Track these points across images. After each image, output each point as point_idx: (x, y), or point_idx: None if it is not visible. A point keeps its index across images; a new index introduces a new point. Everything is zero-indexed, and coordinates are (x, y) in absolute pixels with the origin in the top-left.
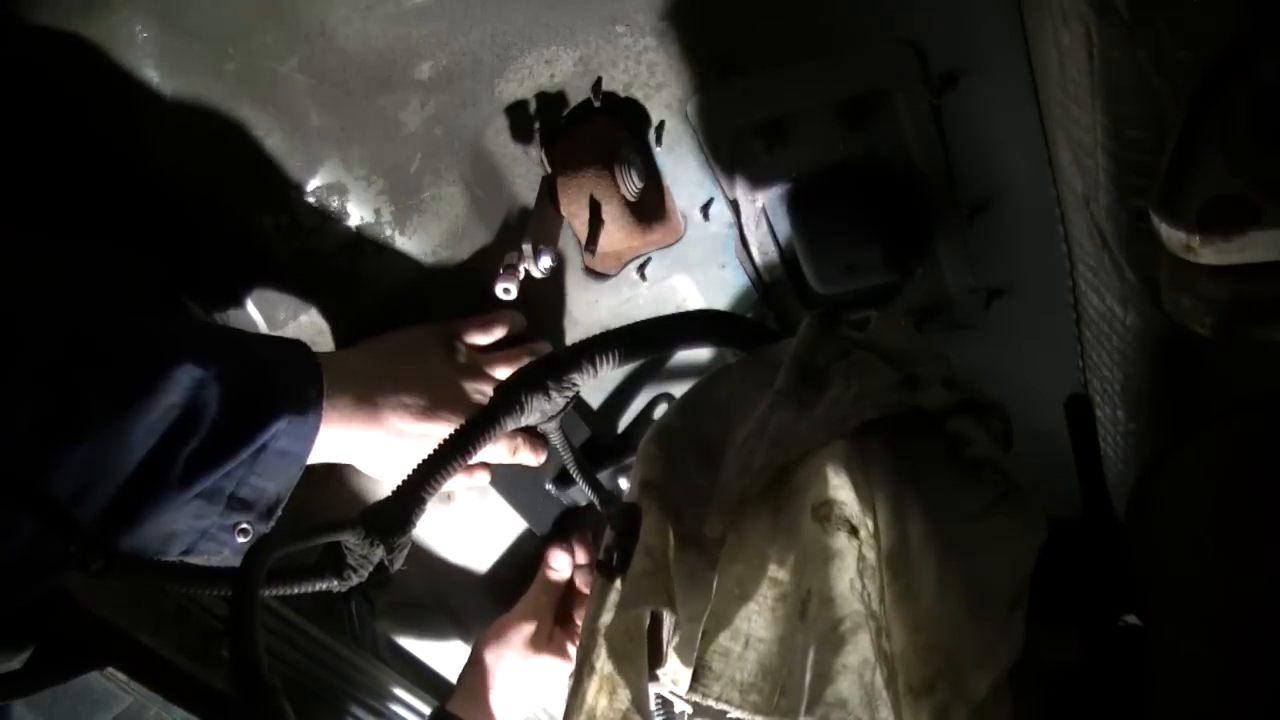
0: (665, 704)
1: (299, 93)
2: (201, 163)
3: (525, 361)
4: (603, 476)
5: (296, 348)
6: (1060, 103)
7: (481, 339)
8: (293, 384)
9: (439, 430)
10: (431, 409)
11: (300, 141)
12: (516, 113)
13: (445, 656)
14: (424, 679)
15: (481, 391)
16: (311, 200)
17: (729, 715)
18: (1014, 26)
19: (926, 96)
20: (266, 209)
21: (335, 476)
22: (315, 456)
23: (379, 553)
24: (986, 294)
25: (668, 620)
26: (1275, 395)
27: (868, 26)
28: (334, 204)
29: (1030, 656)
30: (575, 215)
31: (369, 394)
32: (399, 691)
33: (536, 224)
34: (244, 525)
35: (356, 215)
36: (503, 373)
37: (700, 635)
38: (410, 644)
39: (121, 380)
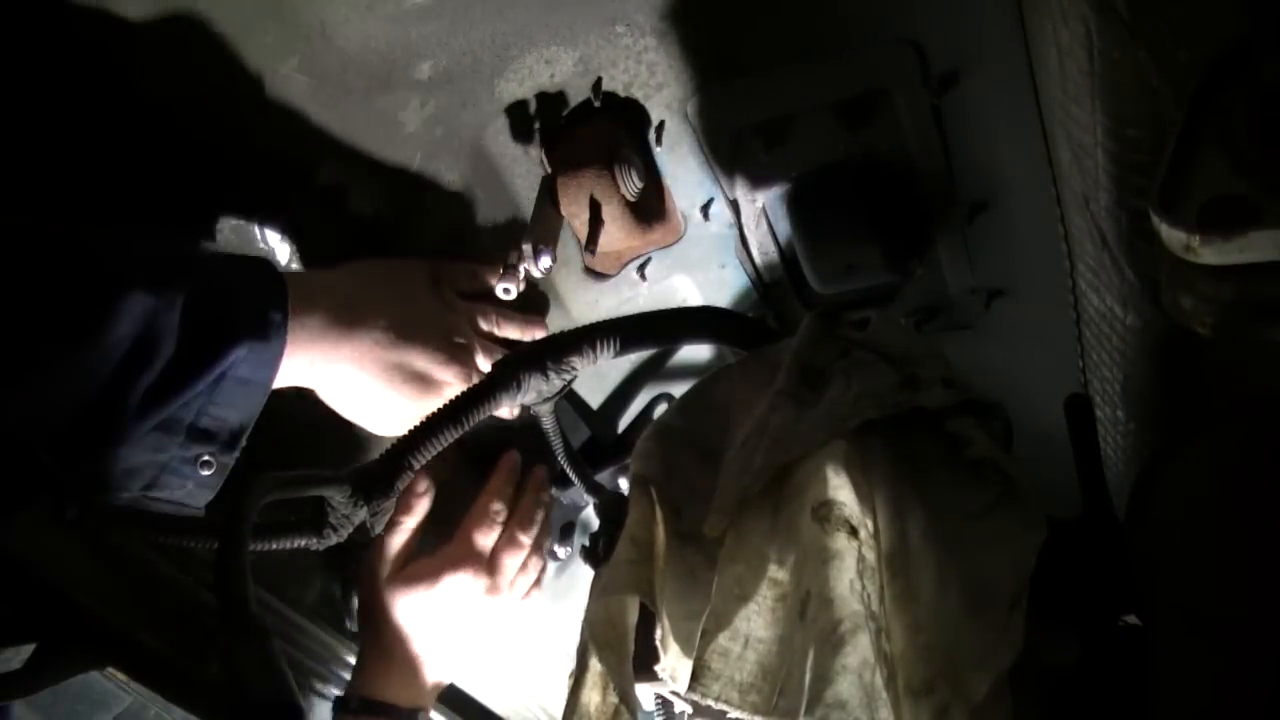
0: (665, 704)
1: (299, 93)
2: (201, 163)
3: (507, 319)
4: (602, 477)
5: (260, 267)
6: (1060, 103)
7: (466, 285)
8: (254, 307)
9: (410, 359)
10: (407, 335)
11: (300, 141)
12: (516, 113)
13: None
14: None
15: (458, 330)
16: (312, 200)
17: (729, 716)
18: (1014, 26)
19: (926, 96)
20: (267, 210)
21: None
22: (280, 382)
23: (361, 514)
24: (986, 294)
25: (662, 622)
26: (1275, 395)
27: (867, 26)
28: (334, 204)
29: (1030, 656)
30: (575, 215)
31: (343, 313)
32: None
33: (536, 224)
34: (206, 457)
35: (357, 215)
36: (482, 321)
37: (700, 635)
38: None
39: (69, 313)
